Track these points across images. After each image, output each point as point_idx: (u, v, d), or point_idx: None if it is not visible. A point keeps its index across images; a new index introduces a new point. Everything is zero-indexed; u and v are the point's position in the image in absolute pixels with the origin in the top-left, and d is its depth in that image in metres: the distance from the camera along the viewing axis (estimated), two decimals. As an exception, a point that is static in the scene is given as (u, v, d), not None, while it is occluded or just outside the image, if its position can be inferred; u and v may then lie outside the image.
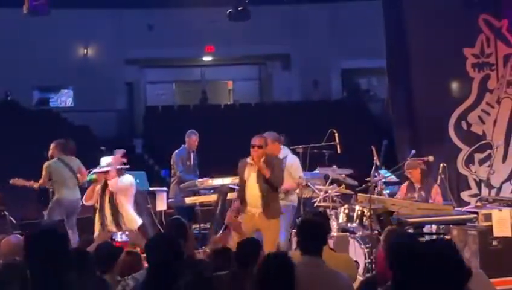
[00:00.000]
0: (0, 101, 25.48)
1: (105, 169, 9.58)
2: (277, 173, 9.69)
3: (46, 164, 12.04)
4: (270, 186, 9.63)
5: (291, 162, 10.80)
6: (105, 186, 9.61)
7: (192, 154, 12.82)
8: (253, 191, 9.66)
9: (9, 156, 20.43)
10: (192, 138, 12.87)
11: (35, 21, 22.76)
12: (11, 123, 23.26)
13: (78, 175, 11.95)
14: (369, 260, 10.19)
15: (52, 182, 11.97)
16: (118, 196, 9.57)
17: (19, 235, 6.91)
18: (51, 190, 12.11)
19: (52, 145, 12.15)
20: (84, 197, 10.03)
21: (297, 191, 10.98)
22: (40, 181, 12.06)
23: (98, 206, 9.68)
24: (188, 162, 12.70)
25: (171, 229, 7.32)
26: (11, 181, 12.50)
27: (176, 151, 12.83)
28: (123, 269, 6.28)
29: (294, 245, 9.64)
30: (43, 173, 12.01)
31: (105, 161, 9.76)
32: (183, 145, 12.83)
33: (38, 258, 4.06)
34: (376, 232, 10.27)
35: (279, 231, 9.71)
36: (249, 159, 9.75)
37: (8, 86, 25.13)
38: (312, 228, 6.00)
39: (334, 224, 10.77)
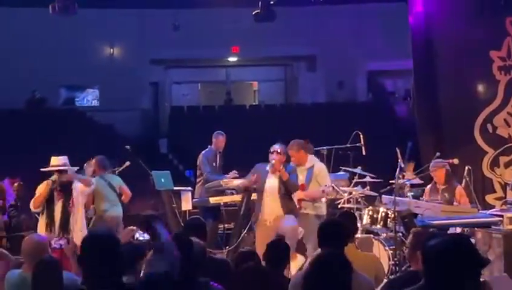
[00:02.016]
0: (28, 99, 25.67)
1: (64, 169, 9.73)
2: (294, 179, 9.94)
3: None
4: (288, 192, 9.78)
5: (319, 170, 10.75)
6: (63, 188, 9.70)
7: (218, 155, 12.84)
8: (272, 198, 9.86)
9: (35, 154, 20.59)
10: (220, 139, 12.88)
11: (62, 21, 23.02)
12: (38, 121, 23.44)
13: (122, 196, 11.99)
14: (393, 262, 10.20)
15: (95, 199, 11.82)
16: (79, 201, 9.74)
17: (42, 234, 6.94)
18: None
19: (93, 162, 12.10)
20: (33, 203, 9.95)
21: (324, 200, 10.90)
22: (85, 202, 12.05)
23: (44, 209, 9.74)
24: (214, 163, 12.71)
25: (189, 229, 7.36)
26: None
27: (203, 152, 12.84)
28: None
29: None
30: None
31: (60, 160, 9.90)
32: (210, 146, 12.83)
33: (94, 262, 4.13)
34: (400, 234, 10.27)
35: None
36: (268, 166, 9.93)
37: (36, 85, 25.32)
38: (331, 228, 6.02)
39: (358, 225, 10.78)
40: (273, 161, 9.98)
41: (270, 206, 9.93)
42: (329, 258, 4.37)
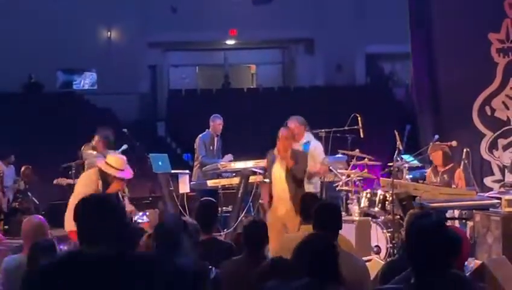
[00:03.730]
0: (24, 83, 25.62)
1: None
2: (300, 165, 9.64)
3: (87, 153, 11.69)
4: (296, 180, 9.59)
5: (315, 147, 10.75)
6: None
7: (216, 139, 12.83)
8: (281, 186, 9.67)
9: (33, 138, 20.58)
10: (217, 122, 12.87)
11: (59, 3, 23.01)
12: (35, 105, 23.41)
13: None
14: (391, 245, 10.20)
15: None
16: None
17: (41, 216, 6.91)
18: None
19: (97, 139, 11.62)
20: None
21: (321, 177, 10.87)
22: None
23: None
24: (211, 147, 12.70)
25: (203, 209, 7.37)
26: (54, 182, 12.46)
27: (200, 135, 12.83)
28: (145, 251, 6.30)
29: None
30: (86, 162, 11.69)
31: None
32: (207, 130, 12.83)
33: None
34: (398, 217, 10.27)
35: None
36: (275, 151, 9.73)
37: (32, 69, 25.27)
38: (329, 212, 5.98)
39: (356, 208, 10.77)
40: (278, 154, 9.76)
41: (277, 193, 9.74)
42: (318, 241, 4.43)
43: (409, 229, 4.04)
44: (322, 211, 6.02)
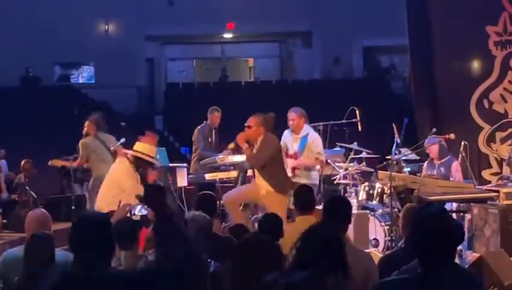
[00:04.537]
0: (22, 77, 25.58)
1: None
2: (258, 153, 9.82)
3: (83, 142, 11.69)
4: (264, 166, 9.76)
5: (313, 139, 10.78)
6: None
7: (214, 131, 12.84)
8: (257, 174, 9.95)
9: (30, 132, 20.55)
10: (215, 115, 12.88)
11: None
12: (32, 99, 23.37)
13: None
14: (389, 238, 10.20)
15: (91, 160, 11.63)
16: None
17: (43, 210, 6.91)
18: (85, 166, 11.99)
19: (87, 122, 11.74)
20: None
21: (318, 168, 10.96)
22: (79, 160, 11.79)
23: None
24: (209, 139, 12.72)
25: (202, 203, 7.38)
26: (49, 162, 12.38)
27: (198, 127, 12.85)
28: (146, 244, 6.31)
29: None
30: (81, 151, 11.69)
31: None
32: (205, 122, 12.84)
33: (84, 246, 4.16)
34: (396, 210, 10.27)
35: (285, 209, 9.62)
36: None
37: (29, 62, 25.22)
38: (341, 208, 6.00)
39: (354, 201, 10.78)
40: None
41: (257, 180, 9.95)
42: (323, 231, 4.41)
43: (412, 220, 4.04)
44: (332, 204, 6.07)
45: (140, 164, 8.95)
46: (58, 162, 12.30)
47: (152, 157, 9.05)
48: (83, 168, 12.46)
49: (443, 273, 3.77)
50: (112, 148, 11.39)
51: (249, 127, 9.91)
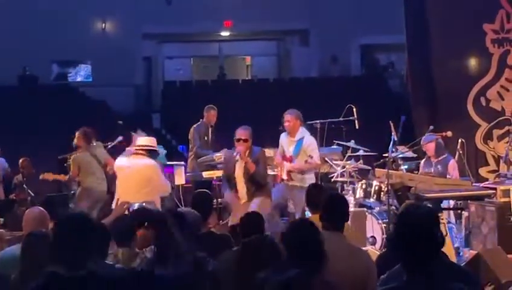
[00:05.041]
0: (19, 75, 25.55)
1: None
2: (261, 168, 9.89)
3: (74, 158, 11.72)
4: (255, 181, 9.77)
5: (308, 142, 10.74)
6: None
7: (210, 130, 12.84)
8: (240, 185, 9.89)
9: (28, 131, 20.55)
10: (211, 113, 12.89)
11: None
12: (30, 97, 23.36)
13: (108, 167, 11.55)
14: (386, 236, 10.21)
15: (81, 173, 11.64)
16: None
17: (41, 208, 6.91)
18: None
19: (77, 135, 11.71)
20: None
21: (314, 171, 10.93)
22: (70, 175, 11.80)
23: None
24: (205, 137, 12.72)
25: (198, 201, 7.38)
26: (40, 177, 12.40)
27: (194, 125, 12.85)
28: (143, 242, 6.30)
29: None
30: (72, 166, 11.71)
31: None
32: (201, 120, 12.85)
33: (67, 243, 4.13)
34: (393, 207, 10.28)
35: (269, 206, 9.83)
36: (235, 153, 9.89)
37: (26, 61, 25.19)
38: (339, 206, 6.01)
39: (351, 199, 10.78)
40: (238, 157, 9.92)
41: (240, 191, 9.96)
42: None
43: (394, 222, 4.01)
44: (330, 202, 6.08)
45: (154, 156, 9.43)
46: (50, 176, 12.28)
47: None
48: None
49: (430, 281, 3.66)
50: (102, 162, 11.62)
51: (245, 140, 9.86)
